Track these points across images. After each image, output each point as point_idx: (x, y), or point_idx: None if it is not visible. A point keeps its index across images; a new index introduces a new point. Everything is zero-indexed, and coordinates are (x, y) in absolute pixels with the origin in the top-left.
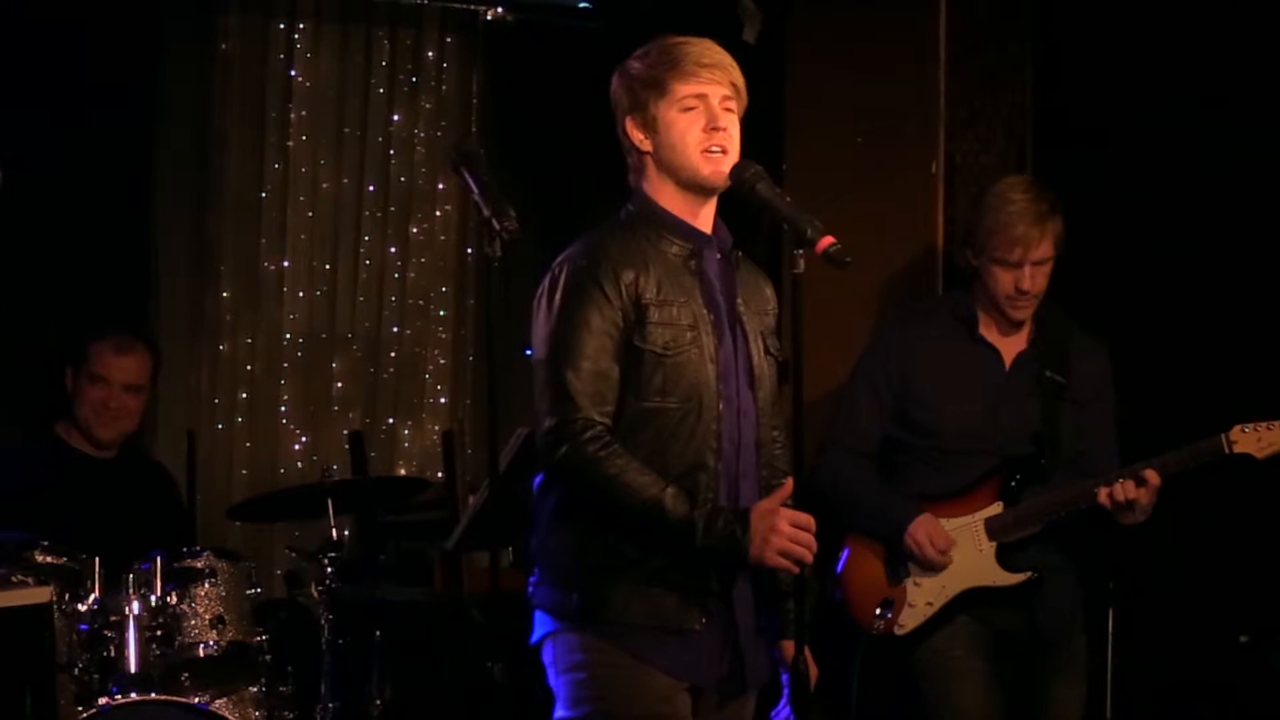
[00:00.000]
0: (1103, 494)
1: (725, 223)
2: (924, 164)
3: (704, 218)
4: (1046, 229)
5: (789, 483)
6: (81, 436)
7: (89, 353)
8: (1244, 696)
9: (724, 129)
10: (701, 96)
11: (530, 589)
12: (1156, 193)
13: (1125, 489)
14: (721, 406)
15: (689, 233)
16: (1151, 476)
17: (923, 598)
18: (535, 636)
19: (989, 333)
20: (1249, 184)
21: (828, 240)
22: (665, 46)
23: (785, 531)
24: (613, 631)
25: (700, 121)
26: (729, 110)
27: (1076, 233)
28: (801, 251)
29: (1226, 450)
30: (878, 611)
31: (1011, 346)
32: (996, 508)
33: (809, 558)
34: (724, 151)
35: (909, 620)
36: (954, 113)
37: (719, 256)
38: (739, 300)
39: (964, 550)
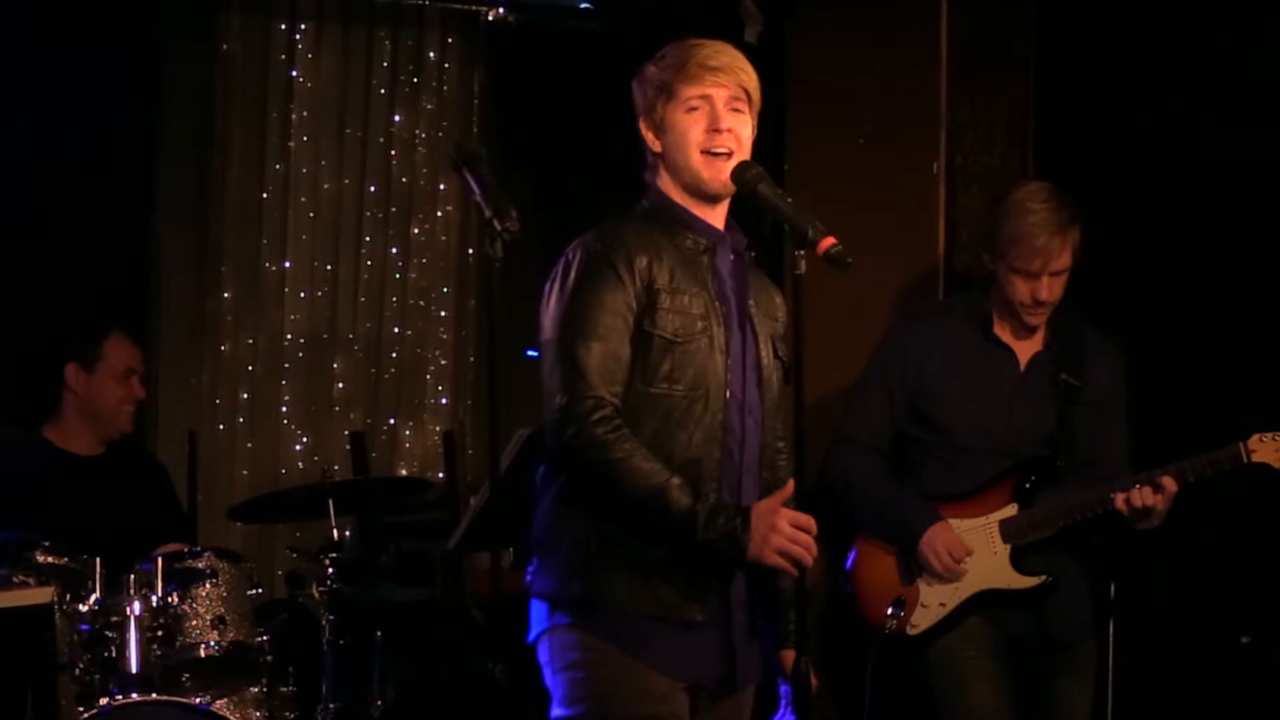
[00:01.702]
0: (1120, 500)
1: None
2: (925, 165)
3: (716, 218)
4: (1066, 240)
5: (790, 484)
6: (76, 436)
7: (107, 351)
8: (1245, 697)
9: (725, 130)
10: (706, 98)
11: (529, 577)
12: (1159, 193)
13: (1143, 495)
14: (729, 398)
15: (703, 228)
16: (1169, 483)
17: (936, 598)
18: (533, 634)
19: (1003, 333)
20: (1252, 183)
21: (829, 241)
22: (678, 49)
23: (785, 531)
24: (611, 625)
25: (702, 122)
26: (737, 111)
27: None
28: (803, 252)
29: (1245, 459)
30: (889, 610)
31: (1026, 348)
32: (1011, 509)
33: (808, 559)
34: (728, 153)
35: (922, 620)
36: (955, 113)
37: (732, 256)
38: (750, 301)
39: (978, 552)
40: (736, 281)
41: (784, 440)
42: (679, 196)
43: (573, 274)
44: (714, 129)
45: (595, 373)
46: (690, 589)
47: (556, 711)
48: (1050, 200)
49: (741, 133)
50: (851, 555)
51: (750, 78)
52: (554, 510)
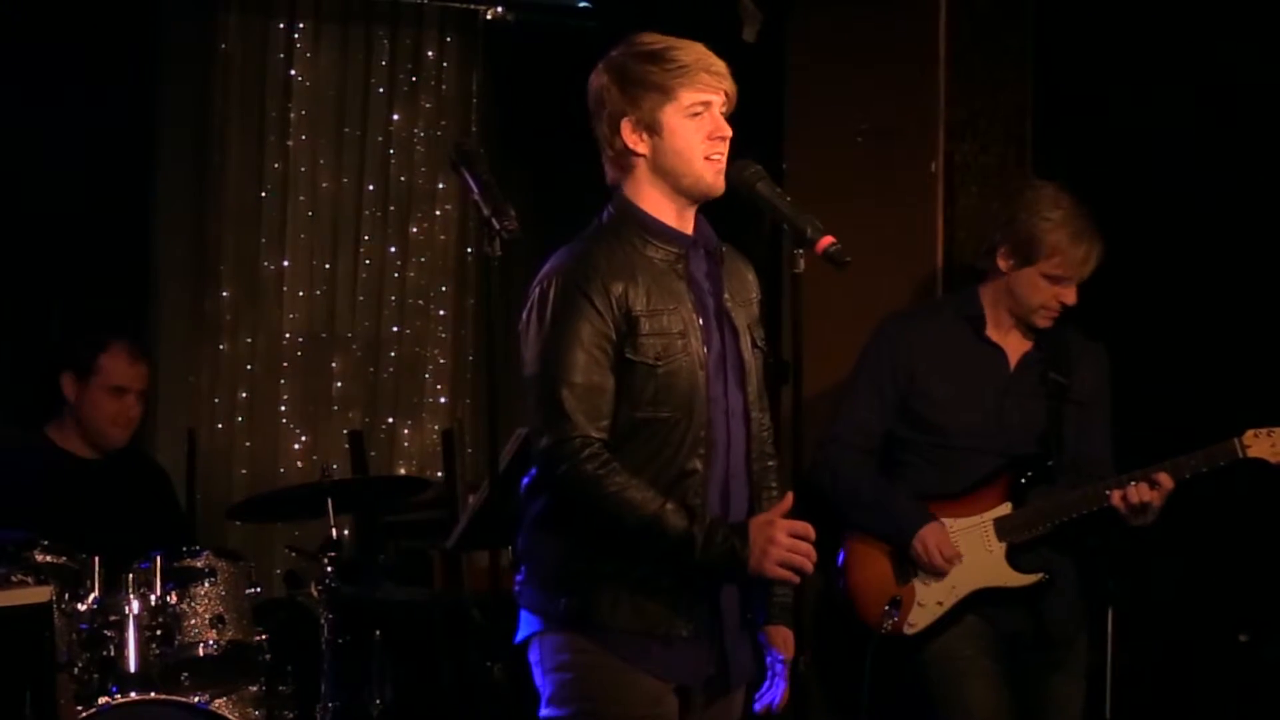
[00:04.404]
0: (1116, 497)
1: (724, 222)
2: (924, 163)
3: (687, 220)
4: (1101, 248)
5: (789, 496)
6: (77, 439)
7: (101, 365)
8: (1243, 695)
9: (727, 137)
10: (707, 104)
11: (517, 588)
12: (1155, 192)
13: (1139, 492)
14: (711, 411)
15: (673, 237)
16: (1165, 480)
17: (933, 597)
18: (521, 635)
19: (995, 333)
20: (1248, 183)
21: (827, 240)
22: (662, 50)
23: (784, 542)
24: (600, 635)
25: (705, 129)
26: (724, 115)
27: None
28: (801, 251)
29: (1240, 454)
30: (886, 610)
31: (1017, 347)
32: (1005, 508)
33: (809, 567)
34: (723, 158)
35: (919, 620)
36: (953, 112)
37: (704, 254)
38: (726, 296)
39: (974, 550)
40: (712, 282)
41: (764, 411)
42: (654, 202)
43: (549, 308)
44: (719, 136)
45: (579, 412)
46: (677, 603)
47: (545, 712)
48: (1078, 206)
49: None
50: (842, 552)
51: (734, 83)
52: (538, 525)
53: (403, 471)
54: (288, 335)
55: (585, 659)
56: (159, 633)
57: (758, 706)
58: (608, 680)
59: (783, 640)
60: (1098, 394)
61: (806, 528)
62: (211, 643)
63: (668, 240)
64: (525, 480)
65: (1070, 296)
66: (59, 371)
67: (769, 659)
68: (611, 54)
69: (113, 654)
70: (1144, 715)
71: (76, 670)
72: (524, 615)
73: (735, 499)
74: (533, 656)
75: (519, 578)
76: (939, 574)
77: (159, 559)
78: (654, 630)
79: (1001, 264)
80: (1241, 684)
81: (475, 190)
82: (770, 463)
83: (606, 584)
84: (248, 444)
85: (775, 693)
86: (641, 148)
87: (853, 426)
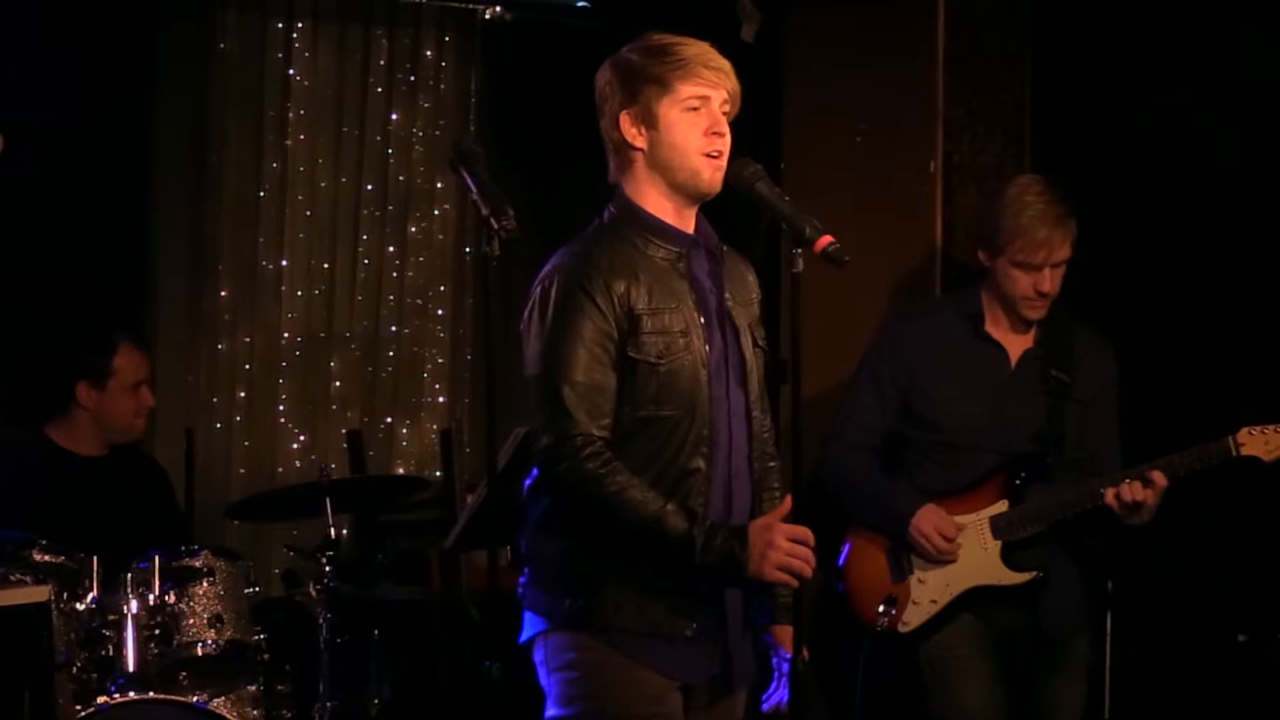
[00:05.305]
0: (1109, 495)
1: (723, 222)
2: (922, 163)
3: (688, 219)
4: (1067, 231)
5: (788, 500)
6: (80, 438)
7: (116, 367)
8: (1242, 696)
9: (725, 134)
10: (705, 99)
11: (520, 589)
12: (1155, 192)
13: (1132, 490)
14: (712, 410)
15: (675, 236)
16: (1158, 478)
17: (927, 595)
18: (525, 635)
19: (995, 330)
20: (1250, 182)
21: (826, 239)
22: (665, 45)
23: (783, 546)
24: (605, 634)
25: (703, 124)
26: (725, 115)
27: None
28: (800, 250)
29: (1234, 452)
30: (881, 608)
31: (1018, 345)
32: (1001, 506)
33: (808, 571)
34: (721, 156)
35: (913, 618)
36: (952, 112)
37: (705, 253)
38: (726, 295)
39: (969, 548)
40: (713, 281)
41: (765, 412)
42: (653, 200)
43: (551, 307)
44: (716, 132)
45: (581, 410)
46: (680, 603)
47: (552, 711)
48: (1047, 192)
49: (729, 138)
50: (844, 552)
51: (737, 82)
52: (542, 526)
53: (401, 471)
54: (286, 335)
55: (591, 658)
56: (157, 632)
57: (766, 706)
58: (613, 679)
59: (789, 639)
60: (1102, 393)
61: (806, 532)
62: (210, 642)
63: (669, 239)
64: (527, 482)
65: (1046, 284)
66: (72, 381)
67: (775, 659)
68: (620, 51)
69: (111, 653)
70: (1143, 715)
71: (75, 670)
72: (528, 616)
73: (738, 498)
74: (537, 656)
75: (522, 580)
76: (943, 559)
77: (157, 559)
78: (658, 630)
79: (981, 257)
80: (1241, 684)
81: (474, 190)
82: (771, 464)
83: (610, 584)
84: (246, 443)
85: (783, 692)
86: (639, 141)
87: (855, 424)
